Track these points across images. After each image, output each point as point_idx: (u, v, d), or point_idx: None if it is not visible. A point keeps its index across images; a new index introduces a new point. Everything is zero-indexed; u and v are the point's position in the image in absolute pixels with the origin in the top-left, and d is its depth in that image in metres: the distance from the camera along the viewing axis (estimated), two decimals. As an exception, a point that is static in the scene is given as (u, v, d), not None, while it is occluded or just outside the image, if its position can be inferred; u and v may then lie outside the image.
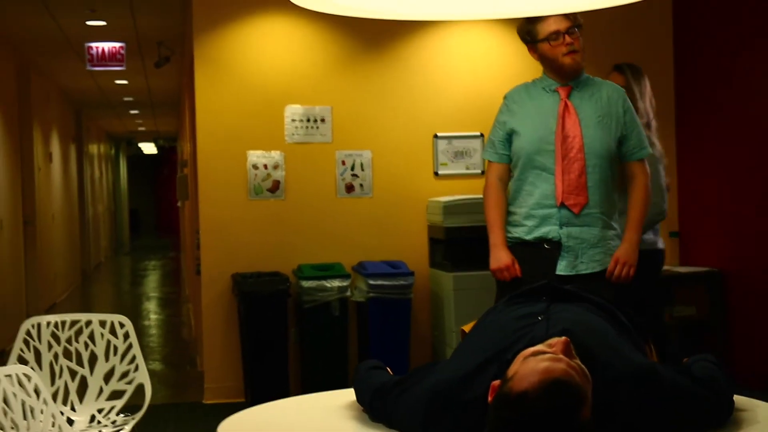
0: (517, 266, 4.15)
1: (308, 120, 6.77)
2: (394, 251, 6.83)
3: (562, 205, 4.08)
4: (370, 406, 2.51)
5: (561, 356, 2.05)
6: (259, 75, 6.76)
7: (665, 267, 7.05)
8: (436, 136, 6.91)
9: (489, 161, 4.36)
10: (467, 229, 5.89)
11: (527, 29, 4.20)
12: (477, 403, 2.15)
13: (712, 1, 7.06)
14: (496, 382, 2.09)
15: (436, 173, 6.90)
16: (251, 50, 6.77)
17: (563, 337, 2.10)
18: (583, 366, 2.07)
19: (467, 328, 2.72)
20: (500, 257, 4.19)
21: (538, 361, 2.03)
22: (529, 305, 2.41)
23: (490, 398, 2.08)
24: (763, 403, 2.56)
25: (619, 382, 2.14)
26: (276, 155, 6.73)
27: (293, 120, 6.77)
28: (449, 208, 6.32)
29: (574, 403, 1.98)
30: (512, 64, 6.76)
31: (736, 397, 2.46)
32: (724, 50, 6.91)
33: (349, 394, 2.76)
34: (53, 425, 3.21)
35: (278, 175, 6.73)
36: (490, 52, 6.89)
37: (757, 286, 6.62)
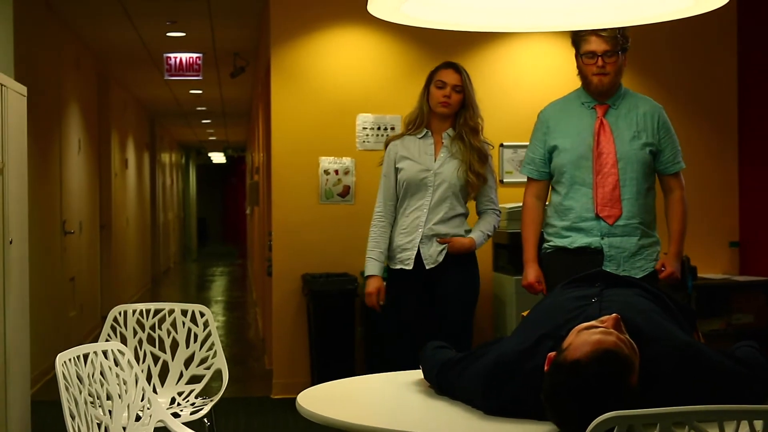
0: (543, 284, 4.51)
1: (379, 128, 7.03)
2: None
3: (599, 217, 4.33)
4: (436, 380, 2.74)
5: (612, 330, 2.27)
6: (332, 84, 7.04)
7: (725, 275, 7.21)
8: (502, 146, 7.12)
9: (529, 178, 4.62)
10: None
11: (574, 39, 4.46)
12: (534, 372, 2.36)
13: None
14: (552, 354, 2.32)
15: (501, 181, 7.11)
16: (325, 61, 7.05)
17: (614, 314, 2.33)
18: (631, 340, 2.29)
19: (526, 313, 2.95)
20: (527, 274, 4.57)
21: (590, 334, 2.26)
22: (584, 289, 2.64)
23: (546, 367, 2.31)
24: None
25: (664, 356, 2.34)
26: (347, 161, 6.99)
27: (364, 128, 7.03)
28: (513, 214, 6.51)
29: (622, 370, 2.20)
30: (576, 77, 6.94)
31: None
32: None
33: (416, 374, 2.99)
34: (143, 398, 3.48)
35: (349, 180, 6.99)
36: (555, 65, 7.08)
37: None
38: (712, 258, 7.29)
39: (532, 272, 4.54)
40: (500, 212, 5.05)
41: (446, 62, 5.00)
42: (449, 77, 4.89)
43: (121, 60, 11.63)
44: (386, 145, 5.02)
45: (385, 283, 4.94)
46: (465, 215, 4.93)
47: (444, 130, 4.91)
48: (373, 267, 4.94)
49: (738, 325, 6.96)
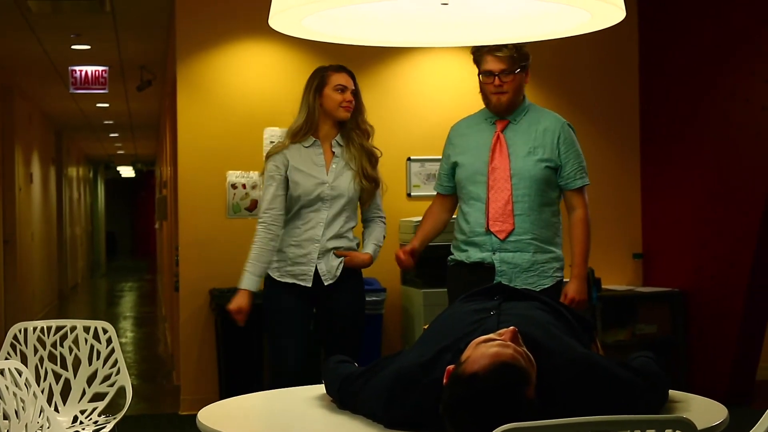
0: (407, 256, 4.54)
1: (286, 141, 6.99)
2: (366, 269, 7.05)
3: (490, 232, 4.33)
4: (338, 394, 2.74)
5: (509, 343, 2.29)
6: (239, 98, 7.00)
7: (629, 287, 7.34)
8: (409, 159, 7.16)
9: (437, 193, 4.66)
10: (437, 248, 6.14)
11: (474, 58, 4.45)
12: (434, 385, 2.37)
13: (678, 20, 7.28)
14: (451, 367, 2.33)
15: (408, 195, 7.15)
16: (232, 74, 7.01)
17: (512, 327, 2.35)
18: (528, 353, 2.31)
19: (427, 326, 2.96)
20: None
21: (488, 347, 2.27)
22: (483, 302, 2.67)
23: (445, 380, 2.32)
24: (697, 396, 2.81)
25: (560, 368, 2.37)
26: (254, 175, 6.95)
27: (272, 142, 6.96)
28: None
29: (520, 383, 2.22)
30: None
31: (673, 392, 2.72)
32: (690, 74, 7.11)
33: (318, 389, 2.98)
34: (41, 417, 3.41)
35: (256, 194, 6.95)
36: (461, 79, 7.13)
37: (717, 306, 6.87)
38: (617, 269, 7.42)
39: (406, 247, 4.60)
40: (385, 219, 4.80)
41: (338, 66, 4.74)
42: (347, 81, 4.65)
43: (26, 72, 11.41)
44: (268, 157, 4.65)
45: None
46: (355, 224, 4.71)
47: (332, 138, 4.63)
48: (249, 282, 4.59)
49: (642, 335, 7.09)
